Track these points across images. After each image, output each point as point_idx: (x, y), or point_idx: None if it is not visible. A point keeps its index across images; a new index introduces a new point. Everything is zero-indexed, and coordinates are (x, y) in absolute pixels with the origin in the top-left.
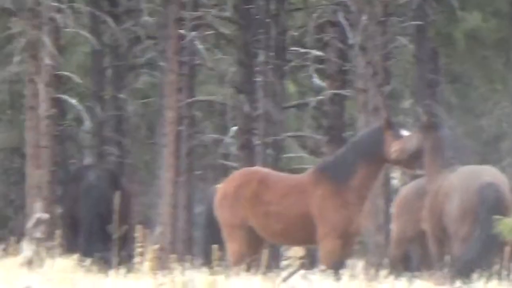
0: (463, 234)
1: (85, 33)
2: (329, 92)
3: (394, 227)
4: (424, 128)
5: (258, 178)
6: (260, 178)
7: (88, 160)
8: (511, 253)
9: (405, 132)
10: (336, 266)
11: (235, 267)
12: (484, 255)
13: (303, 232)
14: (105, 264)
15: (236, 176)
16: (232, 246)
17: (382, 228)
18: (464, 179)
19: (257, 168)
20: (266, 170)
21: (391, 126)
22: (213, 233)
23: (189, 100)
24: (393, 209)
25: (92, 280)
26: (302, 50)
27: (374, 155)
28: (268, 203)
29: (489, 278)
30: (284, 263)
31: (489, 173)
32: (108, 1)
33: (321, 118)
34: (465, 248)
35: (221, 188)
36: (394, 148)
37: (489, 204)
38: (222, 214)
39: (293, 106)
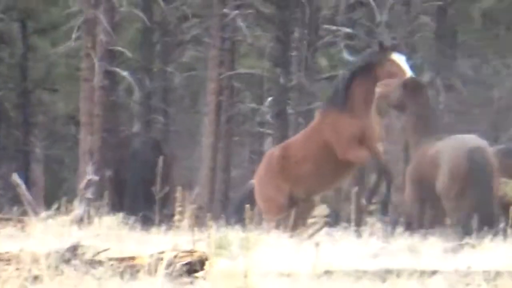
0: (454, 195)
1: (137, 11)
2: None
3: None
4: (409, 87)
5: (278, 148)
6: (280, 148)
7: (137, 127)
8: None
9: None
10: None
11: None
12: (479, 214)
13: (331, 165)
14: (147, 222)
15: (262, 162)
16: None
17: (399, 189)
18: (452, 146)
19: (274, 147)
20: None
21: (385, 52)
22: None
23: (230, 72)
24: (407, 171)
25: (136, 236)
26: (334, 28)
27: (368, 74)
28: (294, 155)
29: (494, 235)
30: (310, 221)
31: (477, 140)
32: None
33: None
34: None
35: (256, 176)
36: (377, 89)
37: (478, 167)
38: (263, 190)
39: (324, 79)
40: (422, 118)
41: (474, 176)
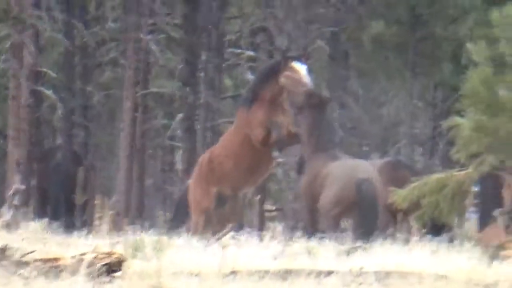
0: (334, 214)
1: (59, 36)
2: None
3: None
4: (311, 99)
5: (207, 152)
6: (208, 151)
7: (59, 141)
8: (402, 219)
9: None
10: None
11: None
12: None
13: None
14: (69, 227)
15: (198, 161)
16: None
17: (298, 196)
18: (343, 170)
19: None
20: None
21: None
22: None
23: (144, 91)
24: (302, 183)
25: (59, 239)
26: (238, 51)
27: (272, 79)
28: (218, 156)
29: (384, 239)
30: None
31: (366, 169)
32: (79, 9)
33: None
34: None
35: (192, 174)
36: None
37: (366, 197)
38: (192, 192)
39: (229, 97)
40: (317, 131)
41: (360, 206)
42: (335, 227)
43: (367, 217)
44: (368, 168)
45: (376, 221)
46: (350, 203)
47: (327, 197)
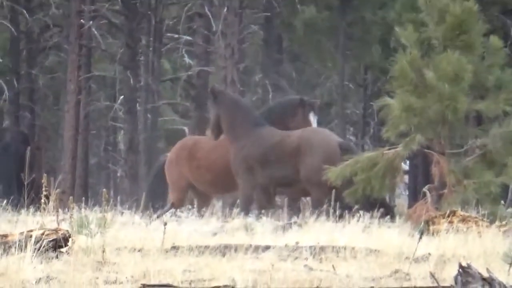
0: (321, 180)
1: (5, 22)
2: (196, 69)
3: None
4: (214, 97)
5: (192, 142)
6: (194, 141)
7: (7, 123)
8: (336, 196)
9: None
10: None
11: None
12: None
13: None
14: (18, 205)
15: (177, 144)
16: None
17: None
18: (321, 137)
19: (192, 137)
20: (197, 137)
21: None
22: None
23: (87, 75)
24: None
25: (8, 217)
26: (176, 36)
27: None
28: (199, 159)
29: (318, 215)
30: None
31: (335, 134)
32: None
33: (190, 89)
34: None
35: (169, 154)
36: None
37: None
38: (170, 171)
39: (168, 80)
40: (231, 116)
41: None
42: (322, 197)
43: None
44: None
45: None
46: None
47: (313, 162)
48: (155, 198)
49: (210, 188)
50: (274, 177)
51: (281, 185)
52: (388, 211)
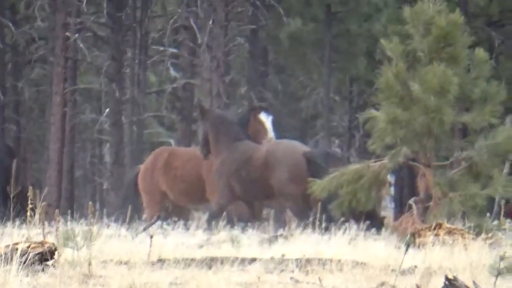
0: (292, 191)
1: None
2: (182, 81)
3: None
4: (202, 114)
5: (168, 151)
6: (170, 151)
7: None
8: (322, 208)
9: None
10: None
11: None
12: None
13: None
14: (3, 217)
15: (152, 154)
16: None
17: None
18: (287, 149)
19: (167, 147)
20: (172, 147)
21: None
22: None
23: (73, 87)
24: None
25: None
26: (161, 48)
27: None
28: (176, 168)
29: (304, 227)
30: (144, 216)
31: (302, 145)
32: (9, 9)
33: (176, 102)
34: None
35: (143, 165)
36: None
37: (318, 166)
38: (144, 181)
39: (153, 92)
40: (215, 132)
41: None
42: (301, 206)
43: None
44: (302, 144)
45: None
46: (304, 175)
47: (281, 175)
48: (128, 209)
49: (184, 198)
50: (252, 192)
51: (261, 199)
52: (377, 222)
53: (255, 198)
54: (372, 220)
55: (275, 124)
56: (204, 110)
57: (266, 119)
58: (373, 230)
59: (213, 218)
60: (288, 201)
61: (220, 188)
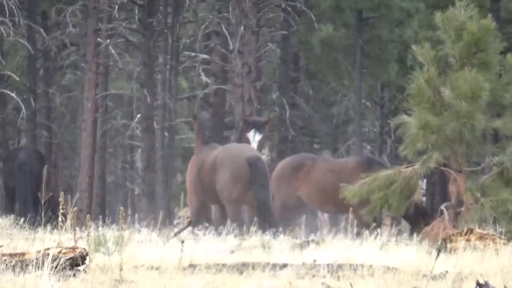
0: (235, 197)
1: (23, 41)
2: (213, 87)
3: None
4: (193, 118)
5: (311, 160)
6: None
7: (24, 141)
8: (354, 214)
9: None
10: None
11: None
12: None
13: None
14: (35, 223)
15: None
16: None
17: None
18: (232, 153)
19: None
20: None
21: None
22: None
23: (104, 93)
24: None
25: (25, 235)
26: (193, 54)
27: None
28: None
29: (336, 233)
30: (176, 221)
31: (252, 149)
32: (41, 15)
33: (207, 107)
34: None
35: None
36: None
37: (259, 171)
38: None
39: (185, 98)
40: (201, 133)
41: (254, 179)
42: (237, 212)
43: (262, 192)
44: (253, 148)
45: (269, 197)
46: (245, 180)
47: (224, 179)
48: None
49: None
50: (208, 195)
51: (217, 202)
52: (425, 216)
53: (212, 202)
54: (424, 216)
55: (266, 139)
56: (195, 117)
57: (253, 136)
58: (405, 235)
59: (194, 220)
60: (227, 205)
61: (190, 191)
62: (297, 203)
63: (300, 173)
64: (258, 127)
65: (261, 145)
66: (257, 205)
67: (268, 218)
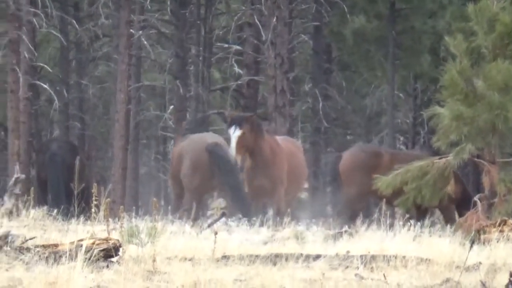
0: (195, 185)
1: (55, 32)
2: (246, 78)
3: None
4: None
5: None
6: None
7: (57, 132)
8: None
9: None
10: None
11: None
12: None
13: None
14: (68, 214)
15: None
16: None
17: None
18: (193, 142)
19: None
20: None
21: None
22: None
23: (137, 84)
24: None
25: (58, 226)
26: (225, 45)
27: None
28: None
29: (369, 224)
30: (209, 212)
31: (213, 136)
32: (73, 7)
33: (240, 99)
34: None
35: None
36: None
37: (219, 157)
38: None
39: (217, 89)
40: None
41: (216, 166)
42: (196, 199)
43: (230, 178)
44: (214, 136)
45: (238, 180)
46: (205, 168)
47: (185, 168)
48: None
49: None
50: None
51: None
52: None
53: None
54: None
55: (249, 134)
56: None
57: (232, 131)
58: (438, 226)
59: (174, 210)
60: (186, 190)
61: (169, 182)
62: (372, 195)
63: (380, 165)
64: (238, 123)
65: (242, 140)
66: (229, 191)
67: (241, 204)
